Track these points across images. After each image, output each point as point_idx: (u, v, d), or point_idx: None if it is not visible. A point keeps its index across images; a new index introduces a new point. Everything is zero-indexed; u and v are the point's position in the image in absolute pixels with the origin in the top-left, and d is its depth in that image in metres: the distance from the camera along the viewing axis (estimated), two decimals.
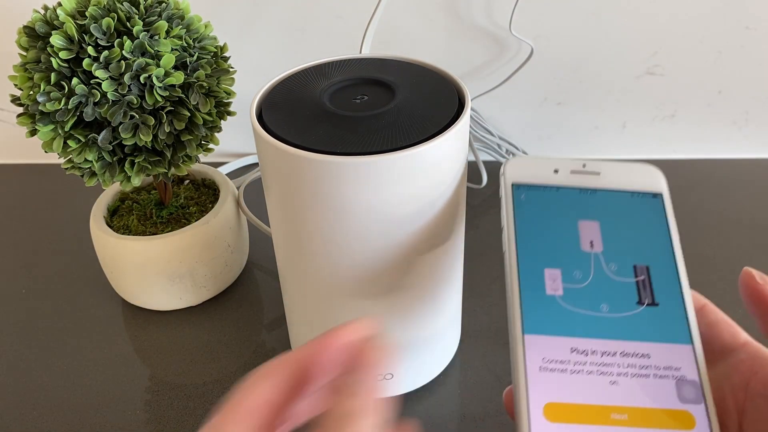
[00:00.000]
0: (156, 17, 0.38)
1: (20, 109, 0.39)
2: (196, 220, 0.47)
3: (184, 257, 0.45)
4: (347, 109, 0.32)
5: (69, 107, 0.37)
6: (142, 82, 0.38)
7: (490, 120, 0.63)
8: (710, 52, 0.59)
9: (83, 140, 0.39)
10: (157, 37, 0.38)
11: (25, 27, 0.38)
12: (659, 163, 0.30)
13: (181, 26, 0.40)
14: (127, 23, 0.37)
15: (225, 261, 0.48)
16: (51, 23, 0.37)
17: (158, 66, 0.38)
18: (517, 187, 0.29)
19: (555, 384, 0.24)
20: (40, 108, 0.37)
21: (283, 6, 0.58)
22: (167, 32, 0.39)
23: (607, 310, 0.26)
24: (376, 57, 0.37)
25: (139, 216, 0.48)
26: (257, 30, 0.59)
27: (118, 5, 0.38)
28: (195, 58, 0.40)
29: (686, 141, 0.64)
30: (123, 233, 0.46)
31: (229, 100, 0.43)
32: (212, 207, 0.48)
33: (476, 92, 0.61)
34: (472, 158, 0.61)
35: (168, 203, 0.48)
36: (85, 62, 0.36)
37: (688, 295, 0.26)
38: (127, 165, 0.40)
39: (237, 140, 0.65)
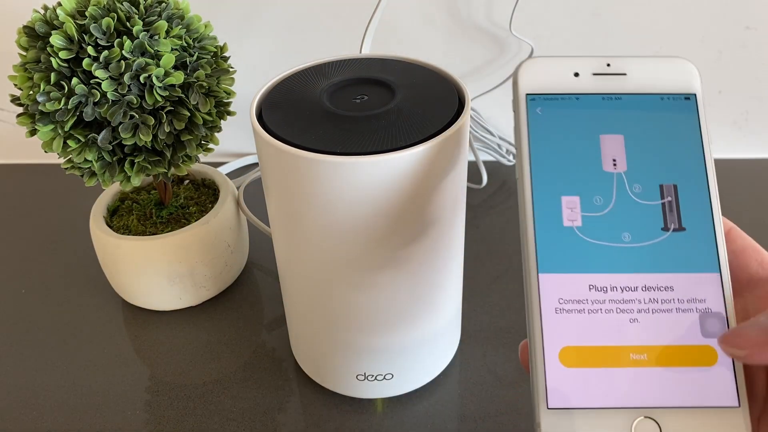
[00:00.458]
0: (156, 17, 0.38)
1: (20, 109, 0.39)
2: (196, 220, 0.47)
3: (184, 257, 0.45)
4: (347, 109, 0.32)
5: (69, 107, 0.37)
6: (142, 82, 0.38)
7: (490, 120, 0.63)
8: (710, 52, 0.59)
9: (83, 140, 0.39)
10: (156, 37, 0.38)
11: (24, 27, 0.38)
12: None
13: (180, 26, 0.40)
14: (127, 23, 0.37)
15: (225, 261, 0.48)
16: (51, 23, 0.37)
17: (158, 66, 0.38)
18: (532, 99, 0.25)
19: (572, 326, 0.23)
20: (39, 108, 0.37)
21: (283, 6, 0.58)
22: (167, 32, 0.39)
23: (629, 240, 0.24)
24: (376, 57, 0.37)
25: (139, 216, 0.48)
26: (257, 30, 0.59)
27: (118, 5, 0.38)
28: (195, 58, 0.40)
29: None
30: (123, 233, 0.46)
31: (229, 100, 0.43)
32: (212, 207, 0.48)
33: (476, 92, 0.61)
34: (472, 158, 0.61)
35: (168, 203, 0.48)
36: (85, 62, 0.36)
37: (719, 216, 0.24)
38: (126, 165, 0.40)
39: (237, 140, 0.65)
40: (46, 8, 0.39)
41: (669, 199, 0.24)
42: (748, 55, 0.59)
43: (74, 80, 0.36)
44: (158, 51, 0.38)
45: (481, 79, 0.61)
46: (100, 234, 0.45)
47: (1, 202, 0.62)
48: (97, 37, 0.37)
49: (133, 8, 0.38)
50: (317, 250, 0.33)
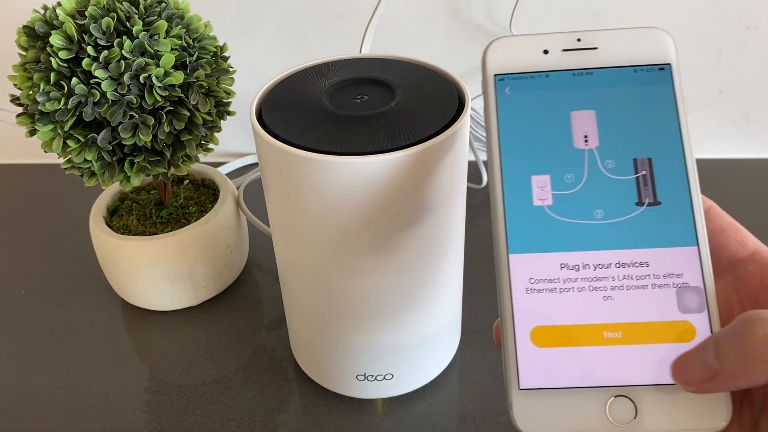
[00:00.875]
0: (156, 17, 0.38)
1: (20, 109, 0.39)
2: (195, 220, 0.47)
3: (184, 257, 0.45)
4: (347, 109, 0.32)
5: (68, 107, 0.37)
6: (142, 81, 0.38)
7: None
8: (710, 52, 0.59)
9: (83, 140, 0.39)
10: (156, 37, 0.38)
11: (24, 27, 0.38)
12: None
13: (180, 26, 0.40)
14: (127, 23, 0.37)
15: (225, 261, 0.48)
16: (50, 23, 0.37)
17: (158, 66, 0.38)
18: (500, 79, 0.25)
19: (543, 306, 0.23)
20: (39, 108, 0.37)
21: (283, 6, 0.58)
22: (167, 32, 0.39)
23: (601, 216, 0.23)
24: (376, 57, 0.37)
25: (138, 216, 0.48)
26: (257, 30, 0.59)
27: (118, 5, 0.38)
28: (195, 57, 0.40)
29: None
30: (123, 233, 0.46)
31: (229, 100, 0.43)
32: (212, 207, 0.48)
33: (476, 92, 0.61)
34: (472, 158, 0.61)
35: (168, 203, 0.48)
36: (85, 62, 0.36)
37: (696, 188, 0.23)
38: (126, 165, 0.40)
39: (237, 140, 0.65)
40: (45, 8, 0.39)
41: (643, 172, 0.24)
42: (748, 55, 0.59)
43: (74, 80, 0.36)
44: (158, 51, 0.38)
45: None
46: (100, 234, 0.45)
47: (1, 202, 0.62)
48: (96, 37, 0.37)
49: (132, 8, 0.38)
50: (317, 250, 0.33)
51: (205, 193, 0.50)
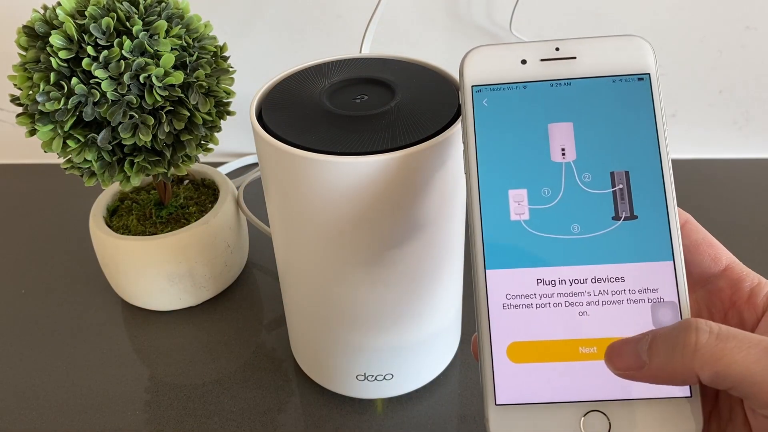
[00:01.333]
0: (155, 17, 0.38)
1: (20, 109, 0.39)
2: (195, 220, 0.47)
3: (184, 257, 0.45)
4: (347, 109, 0.32)
5: (68, 107, 0.37)
6: (142, 81, 0.38)
7: None
8: (710, 52, 0.59)
9: (82, 140, 0.39)
10: (156, 37, 0.38)
11: (24, 27, 0.38)
12: None
13: (180, 26, 0.40)
14: (127, 23, 0.37)
15: (225, 261, 0.48)
16: (50, 23, 0.37)
17: (158, 66, 0.38)
18: (477, 91, 0.25)
19: (519, 322, 0.23)
20: (39, 108, 0.37)
21: (283, 6, 0.58)
22: (167, 32, 0.39)
23: (578, 231, 0.23)
24: (376, 57, 0.37)
25: (138, 216, 0.48)
26: (257, 30, 0.59)
27: (118, 5, 0.38)
28: (194, 57, 0.40)
29: (687, 141, 0.64)
30: (122, 233, 0.46)
31: (229, 100, 0.43)
32: (212, 207, 0.48)
33: None
34: None
35: (167, 203, 0.48)
36: (85, 62, 0.36)
37: (673, 202, 0.23)
38: (126, 165, 0.40)
39: (237, 140, 0.65)
40: (45, 8, 0.39)
41: (620, 186, 0.23)
42: (748, 55, 0.59)
43: (74, 80, 0.36)
44: (158, 51, 0.38)
45: None
46: (100, 234, 0.45)
47: (1, 202, 0.62)
48: (96, 37, 0.37)
49: (132, 8, 0.38)
50: (317, 250, 0.33)
51: (205, 193, 0.50)
